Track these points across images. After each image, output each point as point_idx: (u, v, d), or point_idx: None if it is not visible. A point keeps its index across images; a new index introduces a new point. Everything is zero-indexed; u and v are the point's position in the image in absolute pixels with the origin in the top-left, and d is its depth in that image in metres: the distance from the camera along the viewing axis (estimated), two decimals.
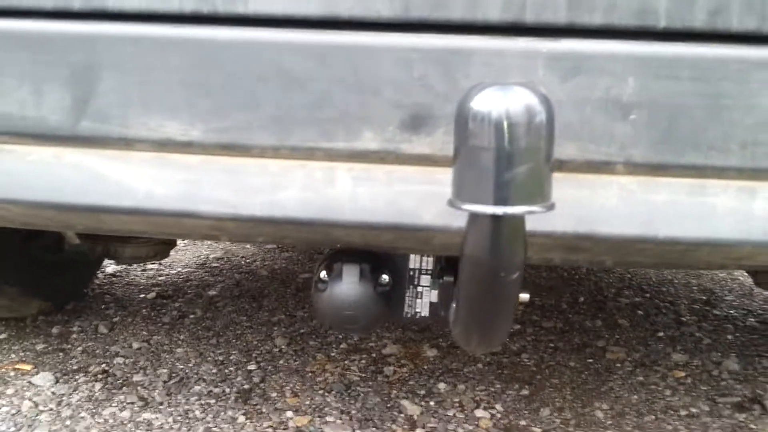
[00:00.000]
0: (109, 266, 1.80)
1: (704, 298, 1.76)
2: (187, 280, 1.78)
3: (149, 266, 1.86)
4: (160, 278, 1.79)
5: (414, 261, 0.77)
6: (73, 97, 0.59)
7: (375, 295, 0.75)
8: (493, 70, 0.55)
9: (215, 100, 0.58)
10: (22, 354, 1.33)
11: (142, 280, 1.77)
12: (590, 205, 0.58)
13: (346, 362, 1.34)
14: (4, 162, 0.63)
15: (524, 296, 0.71)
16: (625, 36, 0.55)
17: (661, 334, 1.53)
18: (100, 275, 1.74)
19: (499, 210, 0.48)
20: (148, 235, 1.20)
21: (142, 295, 1.66)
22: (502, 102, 0.47)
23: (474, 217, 0.51)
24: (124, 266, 1.82)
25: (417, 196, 0.59)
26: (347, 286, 0.73)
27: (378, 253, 0.76)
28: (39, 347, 1.36)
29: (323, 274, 0.75)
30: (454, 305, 0.67)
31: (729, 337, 1.54)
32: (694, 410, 1.21)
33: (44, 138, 0.61)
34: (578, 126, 0.56)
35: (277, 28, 0.57)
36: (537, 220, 0.52)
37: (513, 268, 0.53)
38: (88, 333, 1.44)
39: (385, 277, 0.76)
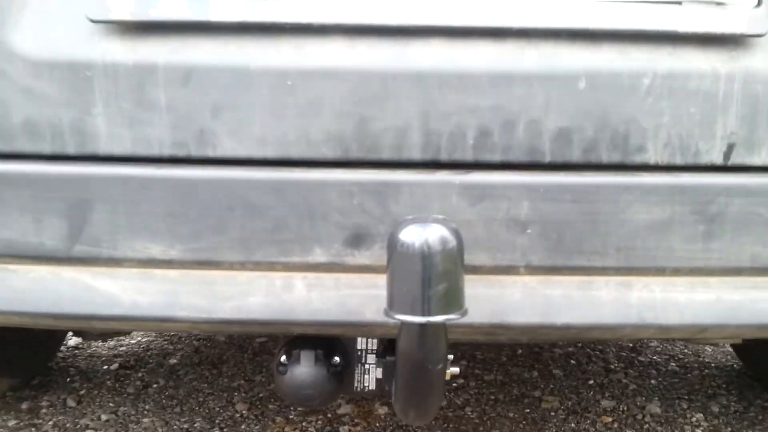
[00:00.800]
0: (71, 339, 1.86)
1: (631, 345, 1.93)
2: (148, 349, 1.86)
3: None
4: (121, 348, 1.86)
5: (361, 342, 0.89)
6: (68, 226, 0.71)
7: (329, 375, 0.87)
8: (417, 197, 0.69)
9: (191, 225, 0.70)
10: None
11: (103, 351, 1.84)
12: (500, 301, 0.72)
13: (303, 423, 1.44)
14: (7, 279, 0.73)
15: (454, 370, 0.84)
16: (519, 169, 0.70)
17: (591, 381, 1.68)
18: (62, 348, 1.80)
19: (424, 320, 0.61)
20: None
21: (105, 367, 1.73)
22: (422, 235, 0.61)
23: (405, 323, 0.64)
24: (81, 340, 1.88)
25: (360, 298, 0.72)
26: (304, 369, 0.85)
27: (330, 337, 0.88)
28: (11, 423, 1.43)
29: (283, 358, 0.86)
30: (394, 382, 0.80)
31: (652, 381, 1.70)
32: None
33: (43, 259, 0.72)
34: (487, 239, 0.71)
35: (241, 167, 0.70)
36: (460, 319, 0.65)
37: (438, 361, 0.66)
38: (57, 407, 1.50)
39: (337, 359, 0.88)
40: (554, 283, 0.73)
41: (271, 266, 0.72)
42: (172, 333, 1.96)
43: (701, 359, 1.86)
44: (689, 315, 0.74)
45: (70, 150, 0.70)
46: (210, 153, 0.70)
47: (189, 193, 0.70)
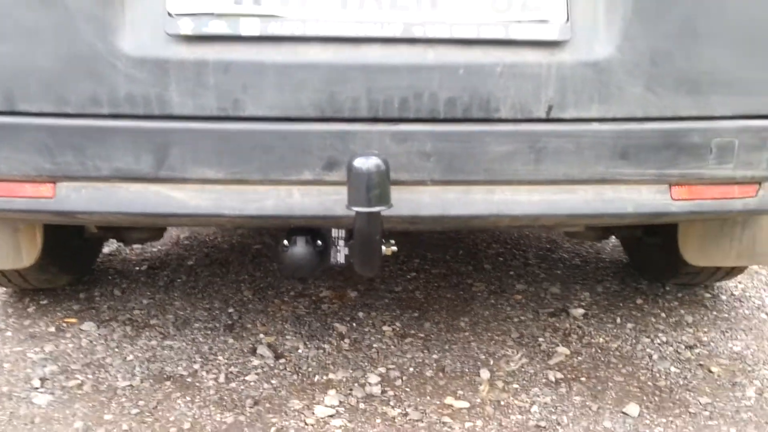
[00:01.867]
0: (105, 247, 2.33)
1: (548, 246, 2.46)
2: (167, 255, 2.35)
3: (135, 246, 2.40)
4: (146, 254, 2.34)
5: (334, 232, 1.38)
6: (154, 159, 1.17)
7: (314, 253, 1.36)
8: (365, 140, 1.16)
9: (229, 158, 1.17)
10: (65, 312, 1.89)
11: (132, 257, 2.32)
12: (415, 201, 1.21)
13: (294, 303, 1.95)
14: (117, 192, 1.20)
15: (393, 249, 1.34)
16: (425, 122, 1.17)
17: (511, 272, 2.21)
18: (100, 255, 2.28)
19: (367, 209, 1.10)
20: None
21: (136, 268, 2.22)
22: (365, 163, 1.09)
23: (358, 213, 1.12)
24: (116, 247, 2.36)
25: (332, 201, 1.20)
26: (299, 249, 1.34)
27: (314, 228, 1.37)
28: (75, 307, 1.92)
29: (285, 242, 1.35)
30: (355, 253, 1.29)
31: (558, 272, 2.23)
32: (523, 318, 1.89)
33: (139, 179, 1.19)
34: (407, 164, 1.18)
35: (259, 122, 1.16)
36: (391, 211, 1.14)
37: (377, 235, 1.15)
38: (106, 296, 2.00)
39: (319, 242, 1.37)
40: (448, 190, 1.21)
41: (278, 182, 1.19)
42: (191, 240, 2.44)
43: (600, 256, 2.39)
44: (527, 208, 1.23)
45: (155, 112, 1.15)
46: (240, 113, 1.15)
47: (228, 138, 1.16)
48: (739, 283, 2.14)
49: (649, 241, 1.94)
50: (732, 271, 1.92)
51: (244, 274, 2.15)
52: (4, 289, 1.98)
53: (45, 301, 1.95)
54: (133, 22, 1.13)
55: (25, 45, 1.12)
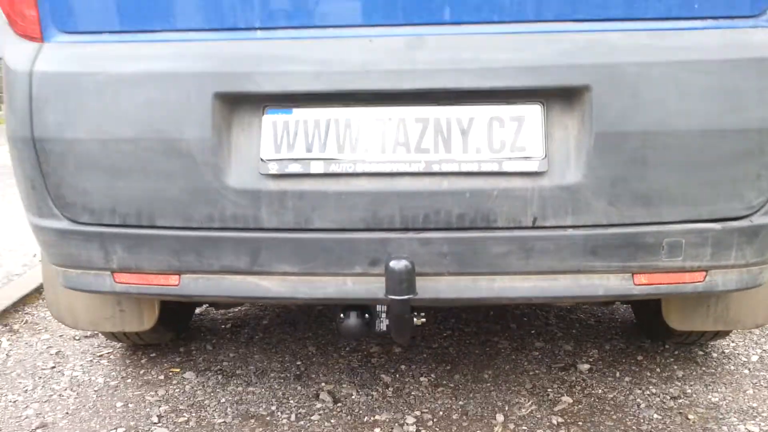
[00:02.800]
0: (197, 309, 2.84)
1: (568, 308, 2.84)
2: (246, 315, 2.83)
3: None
4: (229, 315, 2.84)
5: (378, 307, 1.82)
6: (248, 260, 1.65)
7: (363, 323, 1.81)
8: (398, 245, 1.61)
9: (303, 260, 1.64)
10: (170, 363, 2.38)
11: (218, 317, 2.82)
12: (435, 288, 1.65)
13: (349, 357, 2.40)
14: (224, 281, 1.69)
15: (423, 320, 1.77)
16: (440, 230, 1.61)
17: (533, 331, 2.60)
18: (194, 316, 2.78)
19: (399, 298, 1.54)
20: None
21: (223, 326, 2.71)
22: (398, 265, 1.54)
23: (392, 300, 1.57)
24: (205, 308, 2.86)
25: (376, 288, 1.64)
26: (352, 319, 1.79)
27: (362, 305, 1.81)
28: (177, 359, 2.42)
29: (341, 315, 1.80)
30: (393, 326, 1.73)
31: (573, 331, 2.61)
32: (537, 371, 2.28)
33: (236, 273, 1.67)
34: (429, 262, 1.62)
35: (327, 232, 1.63)
36: (417, 296, 1.58)
37: (407, 313, 1.60)
38: (201, 350, 2.49)
39: (367, 315, 1.81)
40: (460, 280, 1.64)
41: (336, 274, 1.64)
42: (267, 306, 2.92)
43: (614, 316, 2.76)
44: (521, 293, 1.65)
45: (251, 226, 1.63)
46: (311, 226, 1.61)
47: (302, 244, 1.63)
48: (732, 341, 2.47)
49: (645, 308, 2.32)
50: (718, 333, 2.27)
51: (309, 332, 2.61)
52: (121, 344, 2.49)
53: (153, 354, 2.45)
54: (236, 165, 1.62)
55: (164, 182, 1.62)
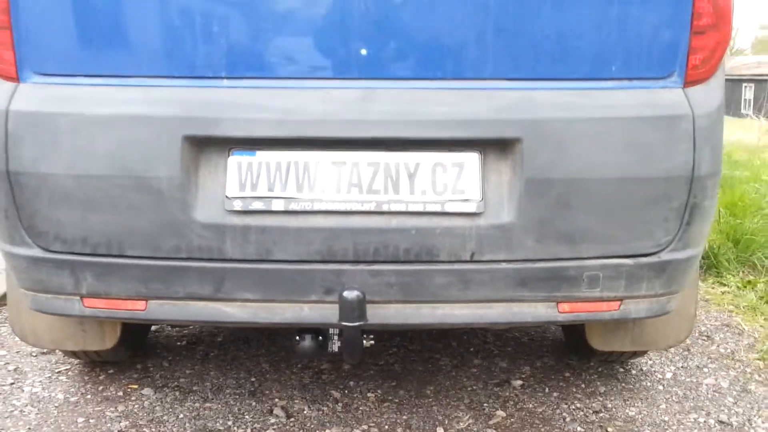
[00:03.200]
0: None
1: (506, 328, 3.05)
2: (201, 332, 2.95)
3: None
4: (184, 331, 2.95)
5: (331, 331, 1.98)
6: (212, 288, 1.80)
7: (317, 344, 1.97)
8: (351, 276, 1.78)
9: (264, 288, 1.80)
10: (128, 380, 2.49)
11: (173, 333, 2.93)
12: (384, 315, 1.83)
13: (301, 374, 2.55)
14: (188, 307, 1.83)
15: (372, 342, 1.95)
16: (391, 263, 1.79)
17: (471, 349, 2.81)
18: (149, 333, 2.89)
19: (351, 324, 1.71)
20: None
21: (178, 343, 2.83)
22: (350, 295, 1.71)
23: (344, 326, 1.74)
24: (160, 325, 2.97)
25: (330, 314, 1.81)
26: (307, 342, 1.95)
27: (318, 328, 1.98)
28: (134, 376, 2.53)
29: (297, 337, 1.96)
30: (344, 347, 1.90)
31: (509, 349, 2.83)
32: (475, 387, 2.48)
33: (199, 299, 1.82)
34: (378, 292, 1.80)
35: (286, 263, 1.79)
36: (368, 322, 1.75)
37: (358, 337, 1.77)
38: (157, 366, 2.60)
39: (320, 338, 1.98)
40: (406, 307, 1.82)
41: (294, 302, 1.80)
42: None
43: (545, 335, 2.99)
44: (460, 319, 1.84)
45: (215, 257, 1.77)
46: (271, 258, 1.78)
47: (262, 274, 1.79)
48: (650, 359, 2.73)
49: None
50: (636, 353, 2.52)
51: (262, 349, 2.76)
52: (78, 361, 2.58)
53: (111, 371, 2.55)
54: (203, 201, 1.76)
55: (134, 215, 1.76)
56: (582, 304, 1.90)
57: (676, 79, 1.84)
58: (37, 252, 1.82)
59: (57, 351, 2.65)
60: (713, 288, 3.63)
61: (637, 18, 1.80)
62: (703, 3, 1.82)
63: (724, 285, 3.64)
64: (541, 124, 1.77)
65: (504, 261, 1.82)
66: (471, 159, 1.79)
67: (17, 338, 2.43)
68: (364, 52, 1.75)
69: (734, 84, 41.56)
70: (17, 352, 2.72)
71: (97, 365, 2.58)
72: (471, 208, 1.79)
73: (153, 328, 2.91)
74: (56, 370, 2.56)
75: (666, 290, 1.93)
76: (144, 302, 1.84)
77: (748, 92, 40.24)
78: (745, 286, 3.58)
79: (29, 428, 2.17)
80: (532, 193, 1.78)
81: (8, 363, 2.62)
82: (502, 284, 1.83)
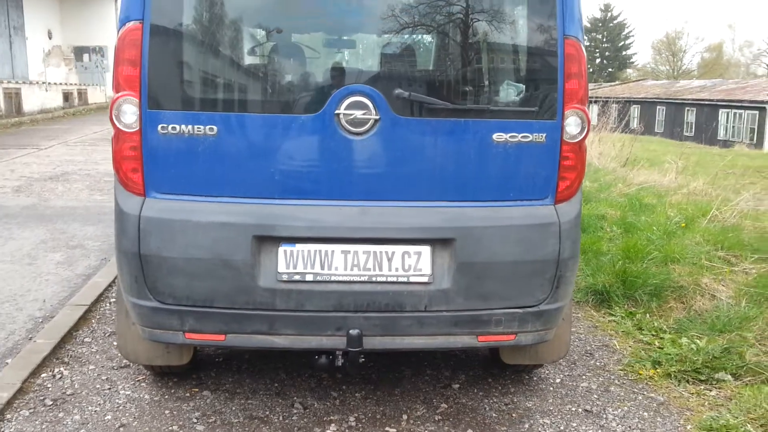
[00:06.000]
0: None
1: (447, 350, 4.25)
2: (231, 351, 4.08)
3: None
4: (219, 351, 4.07)
5: (338, 352, 3.14)
6: (269, 325, 2.94)
7: (329, 361, 3.13)
8: (353, 320, 2.95)
9: (299, 327, 2.95)
10: (190, 385, 3.60)
11: (211, 352, 4.05)
12: (372, 342, 3.00)
13: (309, 381, 3.70)
14: (253, 338, 2.98)
15: (362, 360, 3.12)
16: (377, 312, 2.96)
17: (425, 362, 4.00)
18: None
19: (351, 349, 2.89)
20: None
21: (217, 359, 3.95)
22: (354, 333, 2.89)
23: (349, 351, 2.90)
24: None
25: (340, 342, 2.98)
26: (323, 359, 3.11)
27: (330, 351, 3.13)
28: (193, 382, 3.64)
29: (316, 356, 3.12)
30: (347, 363, 3.07)
31: (451, 362, 4.03)
32: (427, 389, 3.67)
33: (261, 333, 2.97)
34: (370, 329, 2.97)
35: (314, 312, 2.94)
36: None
37: (357, 356, 2.94)
38: (208, 376, 3.72)
39: (331, 357, 3.13)
40: (386, 338, 3.00)
41: (317, 335, 2.95)
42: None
43: (477, 354, 4.19)
44: (418, 345, 3.03)
45: (269, 308, 2.93)
46: (305, 308, 2.92)
47: (300, 318, 2.94)
48: (547, 370, 3.96)
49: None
50: (535, 366, 3.75)
51: (279, 363, 3.91)
52: (149, 372, 3.68)
53: (175, 380, 3.67)
54: (263, 274, 2.92)
55: (220, 282, 2.89)
56: (491, 336, 3.11)
57: (549, 200, 3.08)
58: (156, 304, 2.95)
59: (131, 365, 3.75)
60: (603, 317, 4.90)
61: (526, 166, 3.03)
62: (566, 152, 3.06)
63: (612, 315, 4.90)
64: (467, 230, 2.98)
65: (444, 311, 3.01)
66: (425, 250, 2.99)
67: (105, 356, 3.56)
68: (361, 186, 2.94)
69: (677, 107, 43.99)
70: (103, 366, 3.81)
71: (165, 375, 3.69)
72: (425, 279, 2.99)
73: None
74: (137, 379, 3.67)
75: (544, 327, 3.15)
76: (224, 336, 2.99)
77: (689, 116, 42.61)
78: (627, 316, 4.86)
79: (133, 417, 3.28)
80: (461, 271, 2.99)
81: (101, 374, 3.72)
82: (443, 324, 3.03)
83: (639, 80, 60.52)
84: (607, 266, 5.41)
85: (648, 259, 5.50)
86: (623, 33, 79.77)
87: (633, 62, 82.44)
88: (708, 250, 5.87)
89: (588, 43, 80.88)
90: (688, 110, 42.02)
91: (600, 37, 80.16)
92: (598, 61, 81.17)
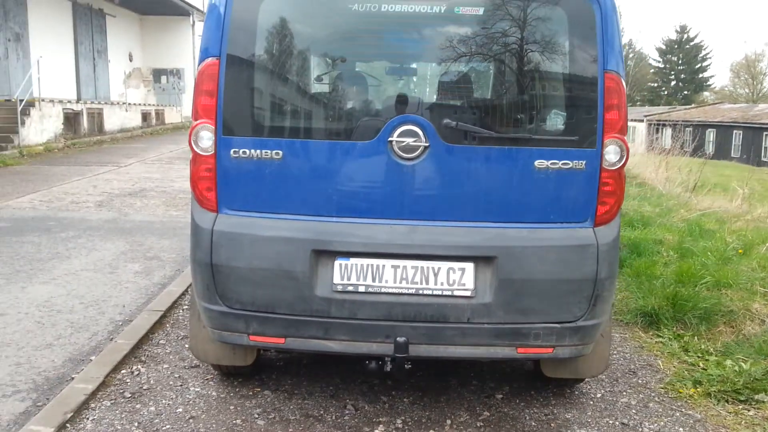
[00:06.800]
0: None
1: (488, 361, 4.46)
2: (291, 354, 4.40)
3: None
4: (280, 355, 4.40)
5: (387, 359, 3.41)
6: (324, 331, 3.25)
7: (379, 366, 3.40)
8: (401, 328, 3.22)
9: (352, 333, 3.24)
10: (252, 385, 3.94)
11: (272, 356, 4.38)
12: (419, 350, 3.26)
13: (361, 385, 3.98)
14: (309, 342, 3.29)
15: (409, 366, 3.38)
16: (424, 322, 3.22)
17: (471, 373, 4.22)
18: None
19: (399, 355, 3.15)
20: None
21: (278, 363, 4.28)
22: (400, 341, 3.16)
23: (396, 356, 3.17)
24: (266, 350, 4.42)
25: (389, 349, 3.25)
26: (373, 364, 3.38)
27: (380, 356, 3.41)
28: (256, 382, 3.97)
29: (367, 362, 3.40)
30: (395, 368, 3.34)
31: (496, 374, 4.24)
32: (471, 398, 3.89)
33: (316, 338, 3.27)
34: (417, 337, 3.23)
35: (366, 320, 3.22)
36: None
37: (403, 363, 3.21)
38: (269, 378, 4.05)
39: (380, 362, 3.40)
40: (431, 347, 3.25)
41: (368, 341, 3.23)
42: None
43: (522, 367, 4.39)
44: (464, 354, 3.27)
45: (325, 315, 3.23)
46: (357, 317, 3.21)
47: (352, 326, 3.22)
48: (589, 384, 4.12)
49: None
50: (576, 380, 3.92)
51: (334, 368, 4.20)
52: (217, 372, 4.04)
53: (240, 379, 4.01)
54: (321, 285, 3.23)
55: (282, 291, 3.22)
56: (530, 348, 3.32)
57: (588, 223, 3.29)
58: (224, 308, 3.30)
59: (200, 365, 4.12)
60: (651, 338, 5.01)
61: (566, 190, 3.25)
62: (606, 179, 3.27)
63: (660, 336, 5.00)
64: (509, 249, 3.22)
65: (486, 323, 3.25)
66: (469, 266, 3.24)
67: (178, 356, 3.93)
68: (411, 206, 3.23)
69: (755, 132, 42.56)
70: (175, 365, 4.20)
71: (231, 375, 4.04)
72: (468, 293, 3.23)
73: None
74: (205, 378, 4.03)
75: (581, 342, 3.34)
76: (284, 339, 3.30)
77: None
78: (675, 338, 4.95)
79: (201, 411, 3.63)
80: (503, 286, 3.22)
81: (173, 372, 4.10)
82: (484, 335, 3.27)
83: (715, 104, 58.71)
84: (659, 289, 5.50)
85: (700, 283, 5.56)
86: (700, 55, 77.75)
87: (710, 85, 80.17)
88: (763, 276, 5.89)
89: (663, 66, 79.92)
90: (766, 135, 40.64)
91: (675, 59, 78.41)
92: (673, 83, 79.39)
